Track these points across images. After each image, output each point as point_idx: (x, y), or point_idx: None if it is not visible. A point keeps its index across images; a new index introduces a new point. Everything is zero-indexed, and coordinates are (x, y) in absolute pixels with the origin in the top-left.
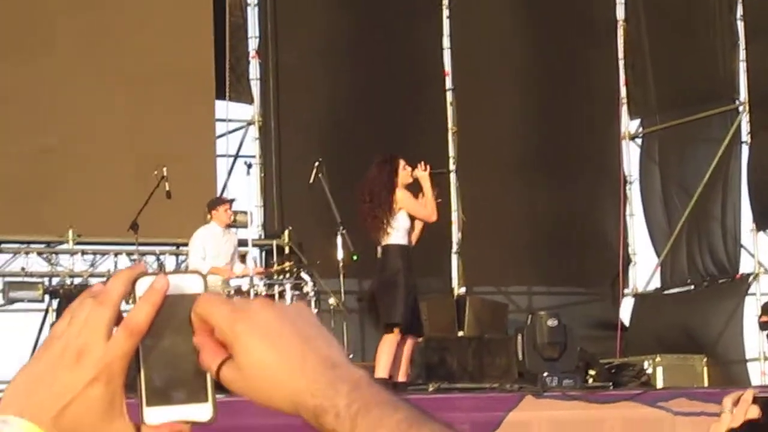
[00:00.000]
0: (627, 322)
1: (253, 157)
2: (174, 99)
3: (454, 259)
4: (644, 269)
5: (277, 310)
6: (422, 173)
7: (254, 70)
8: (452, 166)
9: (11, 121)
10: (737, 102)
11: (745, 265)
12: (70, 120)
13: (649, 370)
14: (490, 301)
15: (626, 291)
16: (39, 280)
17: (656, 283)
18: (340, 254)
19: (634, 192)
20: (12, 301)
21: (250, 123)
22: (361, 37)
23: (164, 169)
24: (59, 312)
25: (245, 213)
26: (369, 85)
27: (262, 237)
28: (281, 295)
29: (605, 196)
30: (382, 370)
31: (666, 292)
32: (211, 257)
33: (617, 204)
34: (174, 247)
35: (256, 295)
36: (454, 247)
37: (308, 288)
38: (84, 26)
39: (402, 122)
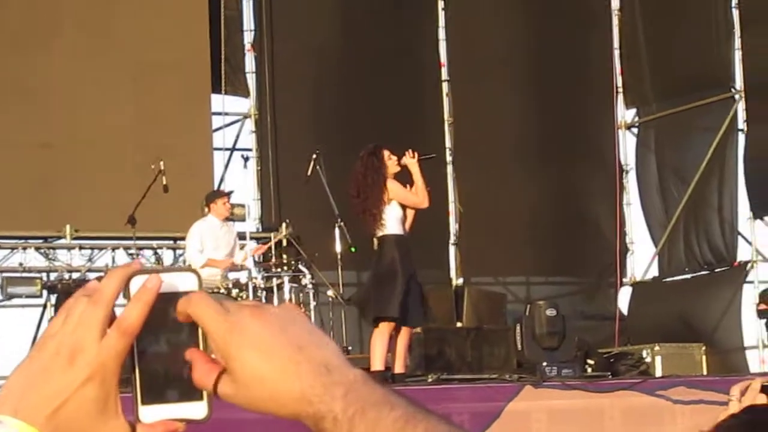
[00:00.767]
0: (625, 311)
1: (250, 150)
2: (170, 93)
3: (452, 250)
4: (642, 258)
5: (268, 319)
6: (410, 160)
7: (250, 63)
8: (449, 157)
9: (7, 116)
10: (733, 90)
11: (743, 253)
12: (67, 115)
13: (648, 359)
14: (488, 292)
15: (624, 280)
16: (37, 275)
17: (654, 272)
18: (338, 246)
19: (630, 181)
20: (10, 297)
21: (246, 116)
22: (356, 29)
23: (161, 163)
24: (57, 307)
25: (243, 206)
26: (365, 76)
27: (260, 230)
28: (279, 287)
29: (602, 185)
30: (377, 362)
31: (664, 280)
32: (210, 250)
33: (614, 193)
34: (172, 241)
35: (255, 288)
36: (452, 238)
37: (306, 280)
38: (78, 21)
39: (398, 113)
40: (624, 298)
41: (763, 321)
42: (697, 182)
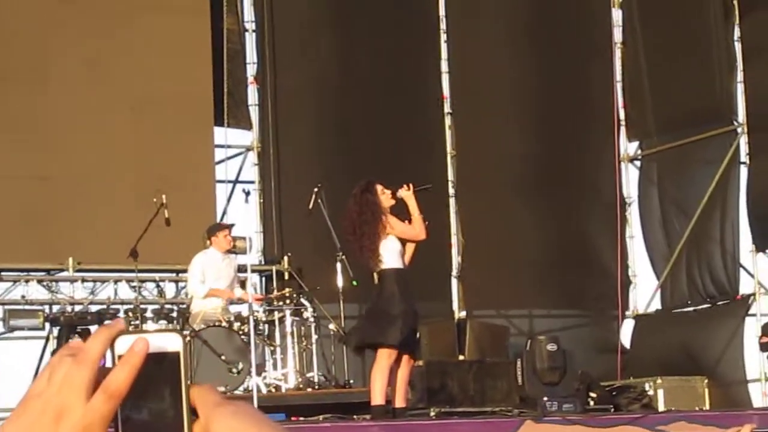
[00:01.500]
0: (628, 344)
1: (253, 182)
2: (173, 126)
3: (454, 283)
4: (644, 291)
5: (256, 410)
6: (406, 193)
7: (253, 96)
8: (451, 190)
9: (10, 148)
10: (735, 123)
11: (745, 286)
12: (69, 147)
13: (651, 392)
14: (491, 325)
15: (627, 313)
16: (39, 307)
17: (657, 304)
18: (339, 280)
19: (633, 214)
20: (12, 329)
21: (249, 149)
22: (359, 62)
23: (163, 196)
24: (60, 340)
25: (244, 239)
26: (368, 109)
27: (262, 263)
28: (281, 320)
29: (604, 218)
30: (378, 396)
31: (666, 313)
32: (211, 282)
33: (616, 226)
34: (174, 274)
35: (256, 321)
36: (454, 271)
37: (308, 313)
38: (82, 54)
39: (401, 146)
40: (627, 331)
41: (766, 354)
42: (699, 215)
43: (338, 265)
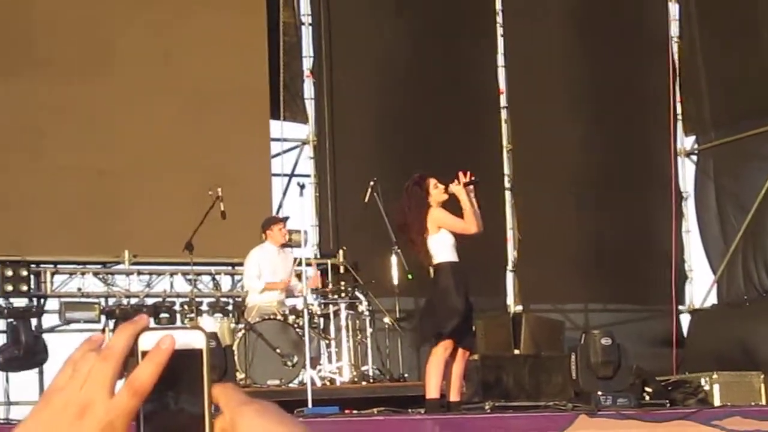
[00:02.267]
0: (684, 339)
1: (308, 176)
2: (229, 119)
3: (510, 277)
4: (701, 285)
5: (271, 416)
6: (456, 188)
7: (309, 89)
8: (507, 184)
9: (68, 141)
10: None
11: None
12: (126, 141)
13: (706, 387)
14: (546, 319)
15: (682, 307)
16: (95, 300)
17: (713, 299)
18: (394, 273)
19: (689, 208)
20: (69, 322)
21: (304, 142)
22: (415, 56)
23: (219, 189)
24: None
25: (299, 232)
26: (423, 103)
27: (318, 256)
28: (336, 314)
29: (661, 212)
30: (433, 390)
31: (722, 308)
32: (268, 275)
33: (673, 221)
34: (229, 267)
35: (311, 315)
36: (510, 265)
37: (363, 307)
38: (139, 48)
39: (457, 140)
40: (683, 326)
41: None
42: (756, 209)
43: (393, 259)
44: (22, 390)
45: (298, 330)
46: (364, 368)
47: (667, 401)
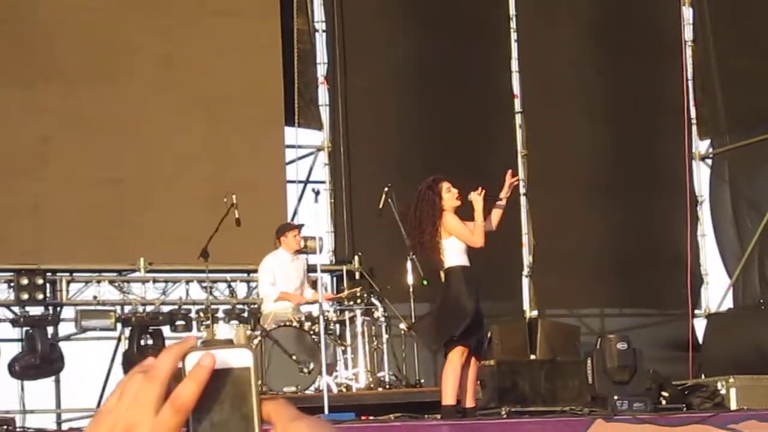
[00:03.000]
0: (700, 343)
1: (323, 183)
2: (243, 126)
3: (526, 282)
4: (716, 289)
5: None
6: (476, 197)
7: (323, 95)
8: (522, 189)
9: (83, 150)
10: None
11: None
12: (141, 148)
13: (723, 391)
14: (562, 324)
15: (698, 311)
16: (111, 308)
17: (729, 303)
18: (410, 279)
19: (705, 212)
20: (85, 330)
21: (319, 149)
22: (429, 61)
23: (233, 196)
24: (131, 340)
25: (314, 239)
26: (438, 109)
27: (333, 263)
28: (351, 320)
29: (676, 216)
30: (449, 397)
31: (738, 312)
32: (281, 283)
33: (688, 225)
34: (245, 274)
35: (327, 321)
36: (525, 270)
37: (379, 313)
38: (155, 55)
39: (471, 146)
40: (699, 330)
41: None
42: None
43: (408, 265)
44: (38, 398)
45: (313, 336)
46: (380, 374)
47: (684, 405)
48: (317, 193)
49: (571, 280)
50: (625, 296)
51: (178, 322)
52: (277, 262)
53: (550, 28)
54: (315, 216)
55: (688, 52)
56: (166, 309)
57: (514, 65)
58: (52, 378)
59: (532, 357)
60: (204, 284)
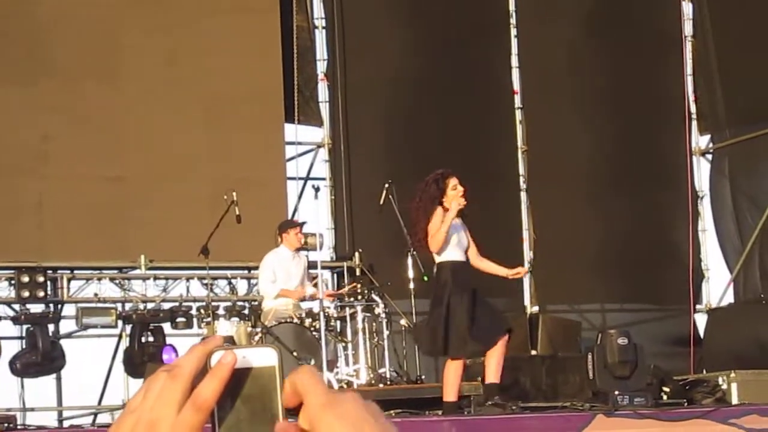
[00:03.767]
0: (701, 338)
1: (323, 179)
2: (244, 123)
3: (526, 278)
4: (717, 284)
5: (363, 406)
6: (456, 202)
7: (323, 92)
8: (522, 185)
9: (83, 148)
10: None
11: None
12: (141, 146)
13: (724, 386)
14: (563, 320)
15: (699, 306)
16: (112, 305)
17: (729, 298)
18: (410, 275)
19: (705, 207)
20: (86, 327)
21: (319, 146)
22: (428, 57)
23: (234, 193)
24: (132, 337)
25: (315, 235)
26: (438, 105)
27: (333, 259)
28: (352, 316)
29: (676, 212)
30: (450, 393)
31: (739, 307)
32: (282, 280)
33: (688, 219)
34: (245, 271)
35: (327, 317)
36: (526, 266)
37: (379, 309)
38: (154, 53)
39: (471, 142)
40: (700, 325)
41: None
42: None
43: (409, 261)
44: (39, 396)
45: (314, 333)
46: (381, 370)
47: (685, 400)
48: (317, 189)
49: (572, 275)
50: (626, 291)
51: (179, 320)
52: (279, 259)
53: (550, 24)
54: (315, 213)
55: (688, 47)
56: (166, 306)
57: (514, 61)
58: (53, 375)
59: (533, 352)
60: (204, 281)
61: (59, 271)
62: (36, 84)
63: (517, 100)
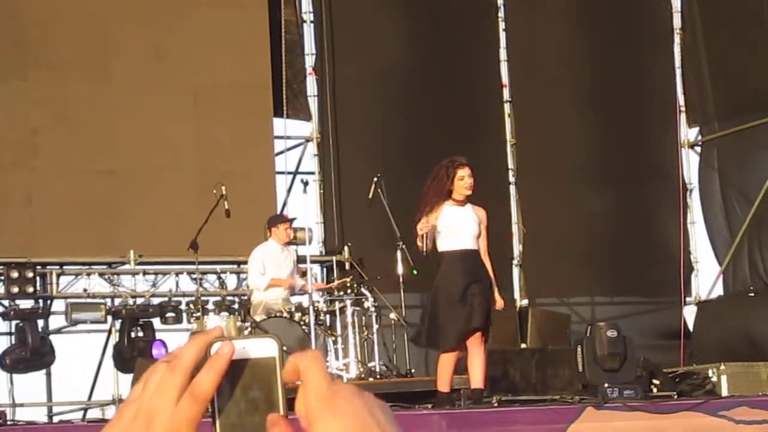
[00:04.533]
0: (691, 331)
1: (312, 173)
2: (232, 117)
3: (516, 271)
4: (706, 277)
5: (365, 399)
6: (428, 223)
7: (311, 86)
8: (511, 178)
9: (71, 142)
10: None
11: None
12: (129, 140)
13: (714, 379)
14: (553, 313)
15: (689, 299)
16: (101, 300)
17: (719, 290)
18: (400, 269)
19: (694, 200)
20: (75, 323)
21: (308, 140)
22: (417, 51)
23: (223, 187)
24: (122, 332)
25: (304, 230)
26: (426, 98)
27: (323, 253)
28: (342, 310)
29: (665, 204)
30: (444, 384)
31: (729, 299)
32: (272, 273)
33: (678, 212)
34: (235, 265)
35: (317, 311)
36: (516, 259)
37: (369, 303)
38: (143, 47)
39: (460, 135)
40: (689, 317)
41: None
42: (760, 200)
43: (398, 255)
44: (28, 392)
45: (304, 327)
46: (371, 364)
47: (675, 393)
48: (306, 183)
49: (562, 268)
50: (616, 284)
51: (169, 314)
52: (268, 252)
53: (539, 16)
54: (304, 207)
55: (677, 39)
56: (156, 301)
57: (503, 54)
58: (43, 371)
59: (523, 346)
60: (194, 276)
61: (48, 267)
62: (25, 77)
63: (506, 94)
